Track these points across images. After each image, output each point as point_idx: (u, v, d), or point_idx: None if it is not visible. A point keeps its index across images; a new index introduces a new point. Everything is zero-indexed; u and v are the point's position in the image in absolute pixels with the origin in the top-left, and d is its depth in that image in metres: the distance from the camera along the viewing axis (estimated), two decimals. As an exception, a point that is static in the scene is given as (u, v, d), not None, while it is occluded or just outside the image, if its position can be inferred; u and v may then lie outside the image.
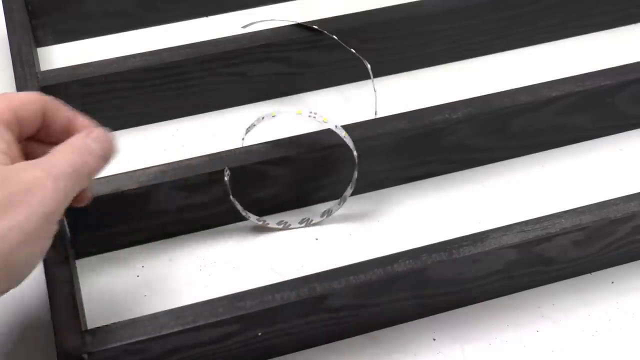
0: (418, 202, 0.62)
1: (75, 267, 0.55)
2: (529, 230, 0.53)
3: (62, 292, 0.48)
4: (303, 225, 0.60)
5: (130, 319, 0.48)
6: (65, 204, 0.41)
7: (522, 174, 0.65)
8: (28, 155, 0.45)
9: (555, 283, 0.57)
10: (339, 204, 0.60)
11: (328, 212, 0.60)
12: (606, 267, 0.58)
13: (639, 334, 0.54)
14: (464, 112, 0.61)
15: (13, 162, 0.41)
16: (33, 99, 0.44)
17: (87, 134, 0.44)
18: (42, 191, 0.39)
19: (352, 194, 0.60)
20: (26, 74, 0.64)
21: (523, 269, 0.55)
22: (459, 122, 0.61)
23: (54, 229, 0.40)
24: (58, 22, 0.75)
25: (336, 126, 0.57)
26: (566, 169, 0.65)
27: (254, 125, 0.58)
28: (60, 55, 0.75)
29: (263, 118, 0.58)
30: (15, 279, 0.39)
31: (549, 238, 0.53)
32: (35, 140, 0.46)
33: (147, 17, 0.78)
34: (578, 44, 0.77)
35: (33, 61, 0.66)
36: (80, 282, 0.56)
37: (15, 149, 0.42)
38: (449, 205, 0.62)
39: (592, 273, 0.58)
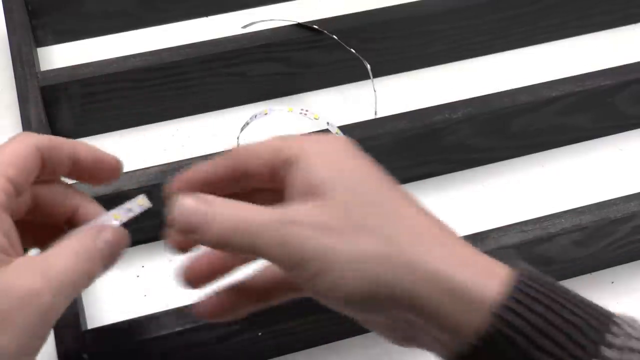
0: (418, 202, 0.62)
1: (75, 267, 0.55)
2: (529, 230, 0.53)
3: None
4: None
5: (130, 319, 0.48)
6: (58, 316, 0.34)
7: (522, 174, 0.65)
8: (38, 200, 0.39)
9: (555, 283, 0.57)
10: None
11: None
12: (606, 267, 0.58)
13: (639, 334, 0.54)
14: (464, 112, 0.61)
15: (15, 251, 0.35)
16: (21, 151, 0.36)
17: (98, 232, 0.37)
18: (36, 309, 0.33)
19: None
20: (26, 74, 0.64)
21: (523, 269, 0.55)
22: (459, 122, 0.61)
23: (42, 344, 0.34)
24: (58, 22, 0.75)
25: (328, 123, 0.57)
26: (566, 169, 0.65)
27: (248, 124, 0.58)
28: (60, 55, 0.75)
29: (256, 116, 0.58)
30: None
31: (549, 238, 0.53)
32: (41, 182, 0.39)
33: (147, 17, 0.78)
34: (578, 44, 0.77)
35: (33, 61, 0.66)
36: (80, 282, 0.55)
37: (14, 237, 0.36)
38: (449, 205, 0.62)
39: (592, 273, 0.58)
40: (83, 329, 0.48)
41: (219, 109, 0.70)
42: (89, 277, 0.35)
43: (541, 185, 0.64)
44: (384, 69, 0.72)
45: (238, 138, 0.58)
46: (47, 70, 0.66)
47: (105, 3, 0.76)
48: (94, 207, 0.40)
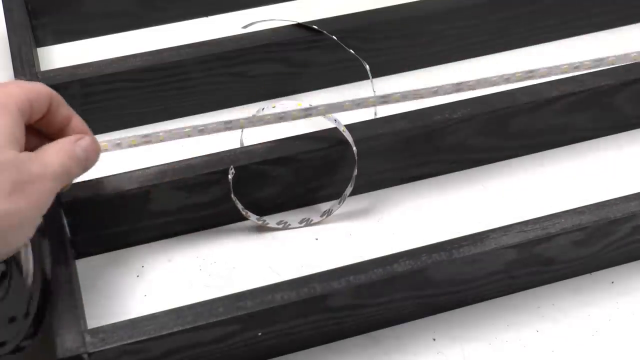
0: (418, 202, 0.62)
1: (75, 267, 0.55)
2: (529, 230, 0.53)
3: (62, 292, 0.48)
4: (303, 225, 0.60)
5: (130, 319, 0.48)
6: (52, 200, 0.44)
7: (522, 174, 0.65)
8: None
9: (555, 283, 0.57)
10: (339, 204, 0.60)
11: (328, 212, 0.60)
12: (606, 267, 0.58)
13: (639, 334, 0.54)
14: (464, 112, 0.61)
15: (21, 150, 0.44)
16: (44, 90, 0.47)
17: (76, 139, 0.47)
18: (41, 186, 0.43)
19: (352, 194, 0.60)
20: (26, 74, 0.64)
21: (523, 269, 0.55)
22: (459, 122, 0.61)
23: (39, 221, 0.44)
24: (58, 22, 0.75)
25: (335, 120, 0.57)
26: (566, 169, 0.65)
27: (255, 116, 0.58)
28: (60, 55, 0.75)
29: (263, 109, 0.58)
30: (5, 253, 0.43)
31: (549, 238, 0.53)
32: (30, 129, 0.47)
33: (147, 17, 0.78)
34: (578, 44, 0.77)
35: (33, 61, 0.66)
36: (80, 282, 0.55)
37: (24, 137, 0.45)
38: (449, 205, 0.62)
39: (592, 273, 0.58)
40: (83, 329, 0.48)
41: (219, 109, 0.70)
42: (69, 174, 0.46)
43: (541, 185, 0.64)
44: (384, 69, 0.72)
45: (242, 132, 0.58)
46: (47, 70, 0.66)
47: (105, 3, 0.76)
48: (82, 122, 0.49)
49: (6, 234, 0.41)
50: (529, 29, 0.76)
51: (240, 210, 0.58)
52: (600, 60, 0.56)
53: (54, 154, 0.45)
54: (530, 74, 0.57)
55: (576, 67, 0.57)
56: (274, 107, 0.57)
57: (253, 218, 0.59)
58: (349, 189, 0.59)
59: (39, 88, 0.46)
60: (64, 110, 0.48)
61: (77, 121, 0.49)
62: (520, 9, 0.74)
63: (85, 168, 0.48)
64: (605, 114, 0.67)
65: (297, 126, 0.63)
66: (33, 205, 0.43)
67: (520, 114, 0.63)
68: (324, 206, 0.61)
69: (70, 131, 0.48)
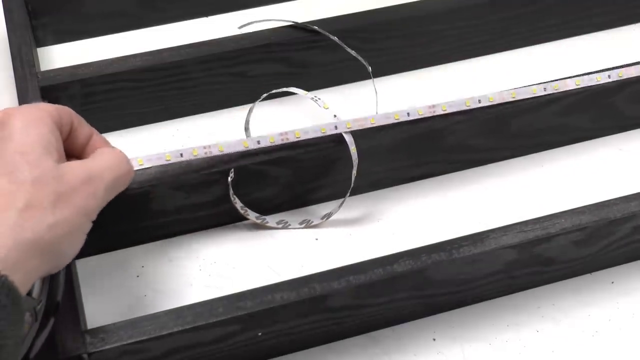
0: (418, 202, 0.62)
1: (75, 267, 0.55)
2: (529, 230, 0.53)
3: (62, 292, 0.48)
4: (303, 226, 0.60)
5: (130, 319, 0.48)
6: (101, 207, 0.46)
7: (522, 174, 0.65)
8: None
9: (555, 283, 0.57)
10: (339, 207, 0.60)
11: (328, 215, 0.60)
12: (606, 267, 0.58)
13: (639, 334, 0.54)
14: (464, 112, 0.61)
15: (60, 159, 0.45)
16: (66, 109, 0.48)
17: (115, 148, 0.50)
18: (87, 193, 0.44)
19: (352, 194, 0.60)
20: (26, 74, 0.64)
21: (523, 269, 0.55)
22: (459, 122, 0.61)
23: (89, 226, 0.45)
24: (58, 22, 0.75)
25: (335, 116, 0.57)
26: (566, 169, 0.65)
27: (262, 98, 0.59)
28: (60, 55, 0.75)
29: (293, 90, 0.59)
30: (59, 264, 0.44)
31: (549, 238, 0.53)
32: None
33: (147, 17, 0.78)
34: (578, 44, 0.77)
35: (33, 61, 0.66)
36: (80, 282, 0.56)
37: (61, 149, 0.46)
38: (449, 205, 0.62)
39: (592, 273, 0.58)
40: (83, 329, 0.48)
41: (219, 109, 0.70)
42: (120, 181, 0.48)
43: (541, 185, 0.64)
44: (384, 69, 0.72)
45: (250, 110, 0.58)
46: (47, 70, 0.66)
47: (105, 3, 0.76)
48: (102, 138, 0.51)
49: (57, 245, 0.42)
50: (529, 29, 0.76)
51: (239, 209, 0.58)
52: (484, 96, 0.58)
53: (103, 161, 0.47)
54: (432, 109, 0.59)
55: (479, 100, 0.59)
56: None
57: (252, 217, 0.59)
58: (349, 192, 0.59)
59: (62, 107, 0.48)
60: (86, 128, 0.49)
61: (98, 137, 0.50)
62: (521, 9, 0.74)
63: (131, 175, 0.50)
64: (605, 114, 0.67)
65: (297, 126, 0.63)
66: (80, 212, 0.43)
67: (520, 114, 0.63)
68: (325, 208, 0.61)
69: (92, 148, 0.49)
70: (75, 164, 0.45)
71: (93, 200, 0.44)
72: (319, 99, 0.59)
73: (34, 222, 0.40)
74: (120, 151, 0.49)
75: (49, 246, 0.41)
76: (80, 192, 0.43)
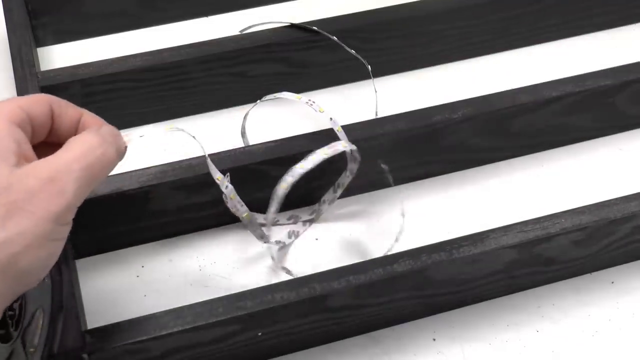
0: (418, 202, 0.62)
1: (75, 267, 0.55)
2: (529, 230, 0.53)
3: (62, 292, 0.48)
4: (291, 222, 0.60)
5: (130, 319, 0.48)
6: (78, 203, 0.40)
7: (522, 174, 0.65)
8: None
9: (555, 283, 0.57)
10: (334, 192, 0.59)
11: (322, 203, 0.59)
12: (606, 267, 0.58)
13: (639, 334, 0.54)
14: (464, 112, 0.61)
15: (27, 161, 0.40)
16: (40, 98, 0.43)
17: (97, 128, 0.43)
18: (46, 196, 0.38)
19: (352, 194, 0.60)
20: (26, 74, 0.64)
21: (523, 269, 0.55)
22: (459, 122, 0.61)
23: (65, 229, 0.40)
24: (58, 22, 0.75)
25: (331, 119, 0.57)
26: (566, 169, 0.65)
27: (256, 104, 0.58)
28: (60, 55, 0.75)
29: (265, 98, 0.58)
30: (27, 282, 0.39)
31: (549, 238, 0.53)
32: (48, 145, 0.44)
33: (147, 17, 0.78)
34: (578, 44, 0.77)
35: (33, 61, 0.66)
36: (80, 282, 0.56)
37: (27, 149, 0.41)
38: (449, 205, 0.62)
39: (592, 273, 0.58)
40: (83, 329, 0.48)
41: (219, 109, 0.70)
42: (97, 167, 0.41)
43: (541, 185, 0.64)
44: (384, 69, 0.72)
45: (245, 117, 0.58)
46: (47, 70, 0.66)
47: (105, 3, 0.76)
48: (93, 116, 0.45)
49: (14, 264, 0.37)
50: (529, 29, 0.76)
51: (231, 208, 0.57)
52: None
53: (69, 152, 0.40)
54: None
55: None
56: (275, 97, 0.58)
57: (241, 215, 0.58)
58: (345, 178, 0.58)
59: (35, 98, 0.43)
60: (70, 110, 0.44)
61: (88, 116, 0.45)
62: (521, 9, 0.74)
63: (119, 153, 0.43)
64: (605, 114, 0.67)
65: (296, 126, 0.63)
66: (43, 218, 0.38)
67: (520, 114, 0.63)
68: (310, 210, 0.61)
69: (82, 129, 0.44)
70: (35, 163, 0.39)
71: (59, 200, 0.38)
72: (314, 102, 0.59)
73: None
74: (97, 133, 0.42)
75: (3, 266, 0.37)
76: (41, 195, 0.38)
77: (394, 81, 0.73)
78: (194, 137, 0.51)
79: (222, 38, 0.68)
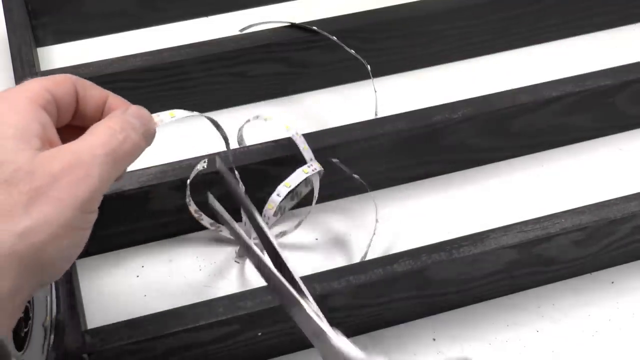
0: (418, 202, 0.62)
1: (75, 267, 0.55)
2: (529, 230, 0.53)
3: (62, 292, 0.48)
4: (258, 241, 0.58)
5: (130, 319, 0.48)
6: (104, 190, 0.38)
7: (522, 174, 0.65)
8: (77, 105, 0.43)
9: (555, 283, 0.57)
10: (291, 200, 0.58)
11: (283, 234, 0.59)
12: (606, 267, 0.58)
13: (639, 334, 0.54)
14: (464, 112, 0.61)
15: (51, 145, 0.38)
16: (64, 78, 0.41)
17: (123, 110, 0.41)
18: (71, 180, 0.36)
19: (352, 194, 0.60)
20: (26, 74, 0.64)
21: (523, 269, 0.55)
22: (459, 122, 0.61)
23: (91, 217, 0.38)
24: (58, 22, 0.75)
25: (311, 159, 0.56)
26: (566, 169, 0.65)
27: (248, 121, 0.58)
28: (60, 55, 0.75)
29: (258, 117, 0.57)
30: (51, 274, 0.37)
31: (549, 238, 0.53)
32: (72, 128, 0.42)
33: (147, 17, 0.78)
34: (578, 44, 0.77)
35: (33, 61, 0.66)
36: (80, 282, 0.56)
37: (52, 132, 0.39)
38: (449, 205, 0.62)
39: (592, 273, 0.58)
40: (83, 329, 0.48)
41: (219, 109, 0.70)
42: (122, 151, 0.39)
43: (541, 185, 0.64)
44: (384, 69, 0.72)
45: (240, 130, 0.58)
46: (47, 70, 0.66)
47: (105, 3, 0.76)
48: (119, 98, 0.43)
49: (39, 252, 0.35)
50: (529, 29, 0.76)
51: (193, 213, 0.56)
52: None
53: (94, 135, 0.38)
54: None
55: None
56: (265, 119, 0.57)
57: (206, 223, 0.57)
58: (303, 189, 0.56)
59: (59, 77, 0.41)
60: (96, 92, 0.42)
61: (114, 99, 0.43)
62: (521, 9, 0.74)
63: (146, 137, 0.41)
64: (605, 114, 0.67)
65: (296, 126, 0.63)
66: (67, 205, 0.36)
67: (520, 114, 0.63)
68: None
69: (108, 112, 0.42)
70: (59, 148, 0.37)
71: (85, 185, 0.36)
72: (301, 137, 0.57)
73: (1, 234, 0.34)
74: (121, 117, 0.40)
75: (26, 258, 0.35)
76: (66, 180, 0.36)
77: (394, 81, 0.73)
78: (218, 125, 0.50)
79: (222, 38, 0.68)
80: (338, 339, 0.38)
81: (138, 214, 0.57)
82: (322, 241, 0.60)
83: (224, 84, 0.69)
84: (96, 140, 0.38)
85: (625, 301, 0.56)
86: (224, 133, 0.52)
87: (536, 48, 0.77)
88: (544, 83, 0.64)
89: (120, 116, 0.40)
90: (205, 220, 0.58)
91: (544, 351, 0.53)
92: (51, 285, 0.45)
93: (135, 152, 0.40)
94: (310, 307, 0.40)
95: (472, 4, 0.72)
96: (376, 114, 0.66)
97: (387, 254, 0.52)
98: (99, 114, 0.42)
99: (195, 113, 0.49)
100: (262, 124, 0.57)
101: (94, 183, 0.37)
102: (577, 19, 0.77)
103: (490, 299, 0.56)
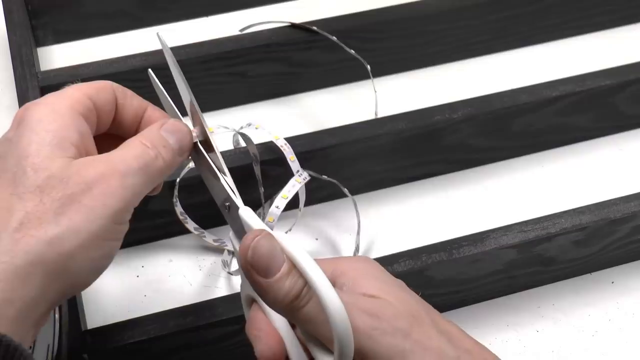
0: (418, 202, 0.62)
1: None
2: (529, 230, 0.53)
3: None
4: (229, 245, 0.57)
5: (130, 319, 0.48)
6: (135, 203, 0.38)
7: (522, 174, 0.65)
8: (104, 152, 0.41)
9: (555, 283, 0.57)
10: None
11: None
12: (606, 267, 0.58)
13: (639, 334, 0.54)
14: (464, 112, 0.61)
15: (87, 154, 0.38)
16: (105, 85, 0.41)
17: (159, 125, 0.41)
18: (104, 189, 0.36)
19: (352, 194, 0.60)
20: (26, 74, 0.64)
21: (523, 269, 0.55)
22: (459, 122, 0.61)
23: (122, 229, 0.38)
24: (58, 22, 0.75)
25: (298, 171, 0.55)
26: (566, 169, 0.65)
27: (242, 128, 0.58)
28: (60, 55, 0.75)
29: (250, 124, 0.57)
30: (77, 285, 0.37)
31: (549, 238, 0.53)
32: (110, 136, 0.42)
33: (147, 17, 0.78)
34: (578, 44, 0.77)
35: (33, 61, 0.66)
36: (80, 282, 0.55)
37: (89, 141, 0.39)
38: (449, 205, 0.62)
39: (592, 273, 0.58)
40: (83, 329, 0.48)
41: (219, 109, 0.70)
42: (156, 166, 0.38)
43: (541, 185, 0.64)
44: (384, 69, 0.72)
45: (235, 135, 0.58)
46: (47, 70, 0.66)
47: (105, 3, 0.76)
48: (158, 110, 0.43)
49: (67, 261, 0.34)
50: (529, 29, 0.76)
51: (179, 215, 0.56)
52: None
53: (130, 148, 0.38)
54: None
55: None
56: (257, 127, 0.57)
57: (191, 227, 0.57)
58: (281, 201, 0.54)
59: (100, 84, 0.41)
60: (135, 101, 0.42)
61: (153, 111, 0.42)
62: (521, 9, 0.74)
63: (180, 152, 0.40)
64: (605, 114, 0.67)
65: (296, 126, 0.63)
66: (97, 215, 0.35)
67: (520, 114, 0.63)
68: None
69: (146, 123, 0.42)
70: (94, 157, 0.37)
71: (116, 197, 0.36)
72: (289, 148, 0.56)
73: (29, 241, 0.34)
74: (154, 133, 0.40)
75: (52, 266, 0.34)
76: (97, 189, 0.35)
77: (394, 81, 0.73)
78: (250, 141, 0.51)
79: (222, 38, 0.68)
80: (243, 210, 0.41)
81: (138, 214, 0.57)
82: (323, 240, 0.60)
83: (224, 84, 0.69)
84: (130, 153, 0.38)
85: (625, 301, 0.56)
86: (255, 150, 0.53)
87: (536, 48, 0.77)
88: (544, 83, 0.64)
89: (155, 132, 0.40)
90: (190, 224, 0.58)
91: (544, 351, 0.53)
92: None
93: (168, 168, 0.40)
94: (226, 181, 0.42)
95: (472, 4, 0.72)
96: (376, 114, 0.66)
97: (387, 254, 0.52)
98: (137, 124, 0.42)
99: (231, 128, 0.50)
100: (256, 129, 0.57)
101: (127, 194, 0.37)
102: (577, 19, 0.77)
103: (490, 299, 0.56)
